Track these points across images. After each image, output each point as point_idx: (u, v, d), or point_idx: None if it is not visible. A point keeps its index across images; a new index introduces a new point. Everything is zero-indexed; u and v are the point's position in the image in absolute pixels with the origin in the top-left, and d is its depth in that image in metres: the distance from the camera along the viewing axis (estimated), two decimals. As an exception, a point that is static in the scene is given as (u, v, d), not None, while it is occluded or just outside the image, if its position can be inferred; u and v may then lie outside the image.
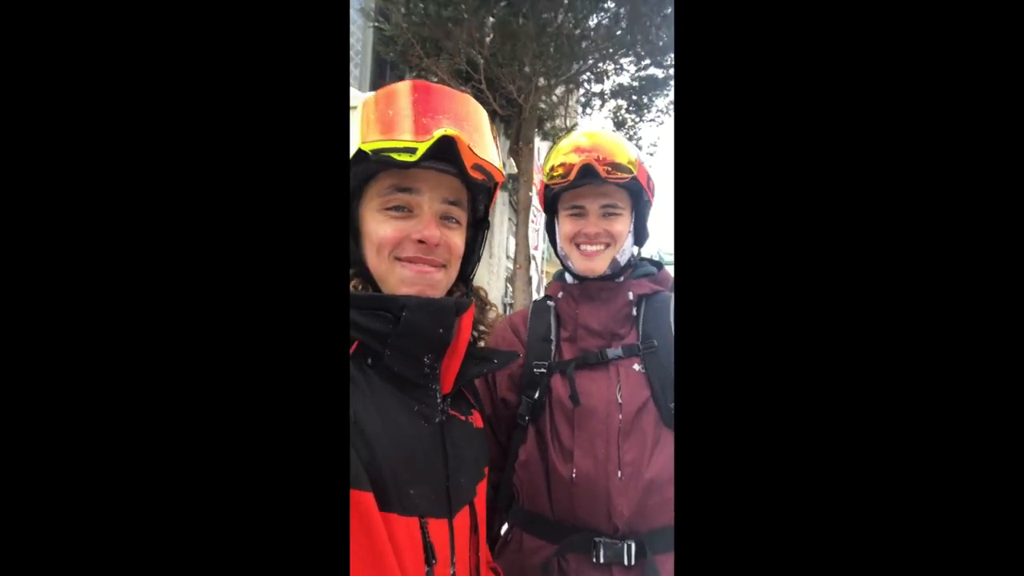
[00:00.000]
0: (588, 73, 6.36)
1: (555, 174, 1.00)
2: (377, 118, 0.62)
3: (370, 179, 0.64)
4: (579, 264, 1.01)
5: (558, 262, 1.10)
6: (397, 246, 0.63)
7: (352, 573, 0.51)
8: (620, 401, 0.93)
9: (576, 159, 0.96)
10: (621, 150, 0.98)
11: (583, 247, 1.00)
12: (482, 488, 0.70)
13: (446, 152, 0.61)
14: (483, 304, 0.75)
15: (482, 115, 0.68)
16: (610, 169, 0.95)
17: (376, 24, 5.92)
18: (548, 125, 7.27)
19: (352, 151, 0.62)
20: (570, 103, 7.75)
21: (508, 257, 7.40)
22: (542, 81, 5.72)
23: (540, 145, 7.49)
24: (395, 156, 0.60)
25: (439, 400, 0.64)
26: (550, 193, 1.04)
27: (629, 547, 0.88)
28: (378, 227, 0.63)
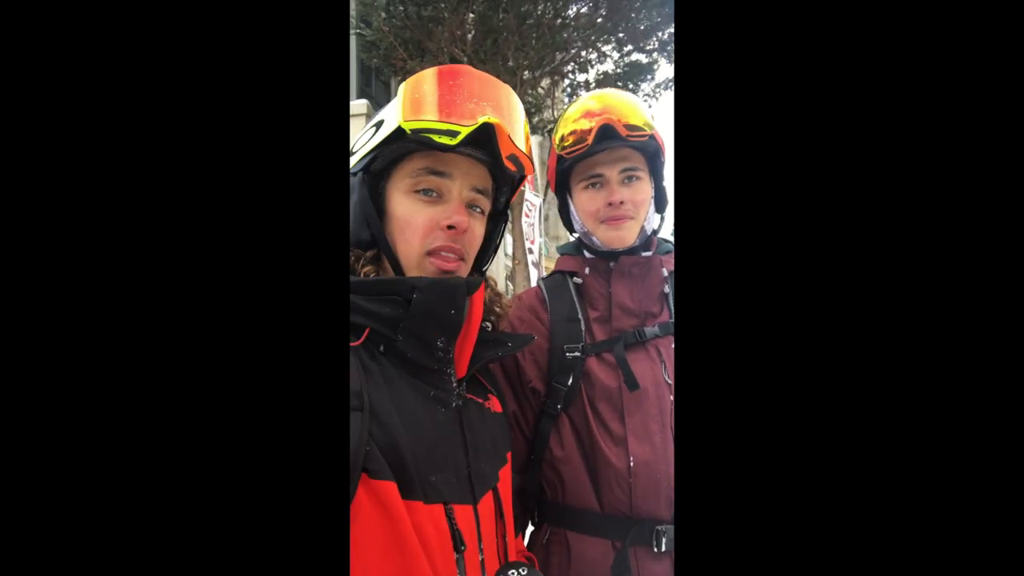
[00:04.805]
0: (572, 63, 6.34)
1: (566, 144, 0.91)
2: (421, 98, 0.61)
3: (401, 159, 0.63)
4: (605, 236, 0.92)
5: (555, 256, 1.02)
6: (428, 235, 0.61)
7: (378, 565, 0.50)
8: (669, 381, 0.87)
9: (589, 124, 0.89)
10: (635, 111, 0.90)
11: (607, 219, 0.91)
12: (504, 473, 0.68)
13: (484, 140, 0.60)
14: (495, 293, 0.73)
15: (519, 107, 0.67)
16: (628, 129, 0.88)
17: (358, 31, 5.90)
18: (536, 118, 7.25)
19: (390, 130, 0.61)
20: (556, 94, 7.72)
21: (506, 254, 7.38)
22: (527, 74, 5.69)
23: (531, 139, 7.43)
24: (435, 138, 0.59)
25: (455, 384, 0.62)
26: (562, 166, 0.95)
27: None
28: (407, 211, 0.62)
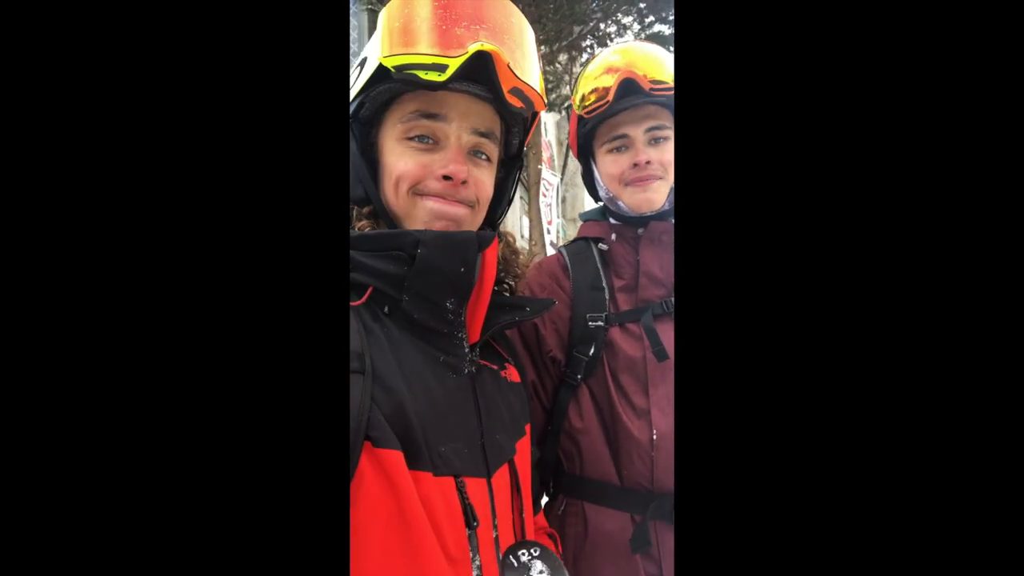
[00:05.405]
0: (590, 36, 6.12)
1: (587, 103, 0.87)
2: (402, 26, 0.51)
3: (391, 102, 0.54)
4: (633, 200, 0.87)
5: (574, 235, 0.98)
6: (418, 182, 0.54)
7: (382, 541, 0.46)
8: None
9: (611, 80, 0.84)
10: (660, 64, 0.84)
11: (634, 181, 0.86)
12: (523, 445, 0.63)
13: (481, 72, 0.50)
14: (512, 251, 0.67)
15: (525, 27, 0.56)
16: (652, 84, 0.82)
17: (369, 7, 5.79)
18: (553, 95, 7.07)
19: (372, 67, 0.52)
20: (574, 70, 7.50)
21: (522, 237, 7.30)
22: (544, 48, 5.53)
23: (546, 117, 7.30)
24: (421, 74, 0.50)
25: (467, 349, 0.57)
26: (584, 128, 0.90)
27: None
28: (398, 160, 0.54)
